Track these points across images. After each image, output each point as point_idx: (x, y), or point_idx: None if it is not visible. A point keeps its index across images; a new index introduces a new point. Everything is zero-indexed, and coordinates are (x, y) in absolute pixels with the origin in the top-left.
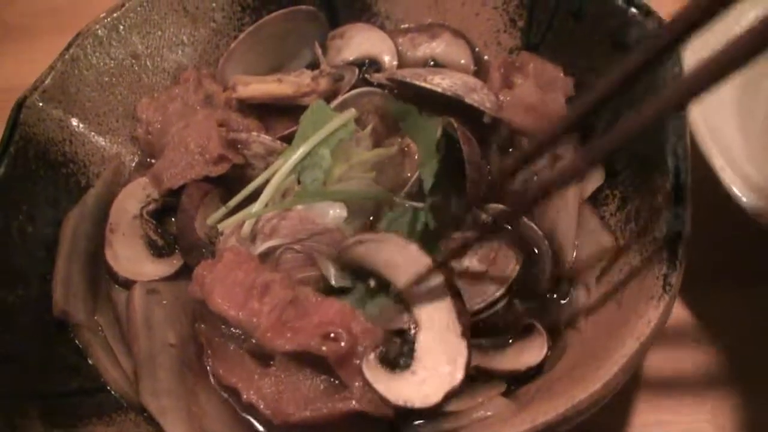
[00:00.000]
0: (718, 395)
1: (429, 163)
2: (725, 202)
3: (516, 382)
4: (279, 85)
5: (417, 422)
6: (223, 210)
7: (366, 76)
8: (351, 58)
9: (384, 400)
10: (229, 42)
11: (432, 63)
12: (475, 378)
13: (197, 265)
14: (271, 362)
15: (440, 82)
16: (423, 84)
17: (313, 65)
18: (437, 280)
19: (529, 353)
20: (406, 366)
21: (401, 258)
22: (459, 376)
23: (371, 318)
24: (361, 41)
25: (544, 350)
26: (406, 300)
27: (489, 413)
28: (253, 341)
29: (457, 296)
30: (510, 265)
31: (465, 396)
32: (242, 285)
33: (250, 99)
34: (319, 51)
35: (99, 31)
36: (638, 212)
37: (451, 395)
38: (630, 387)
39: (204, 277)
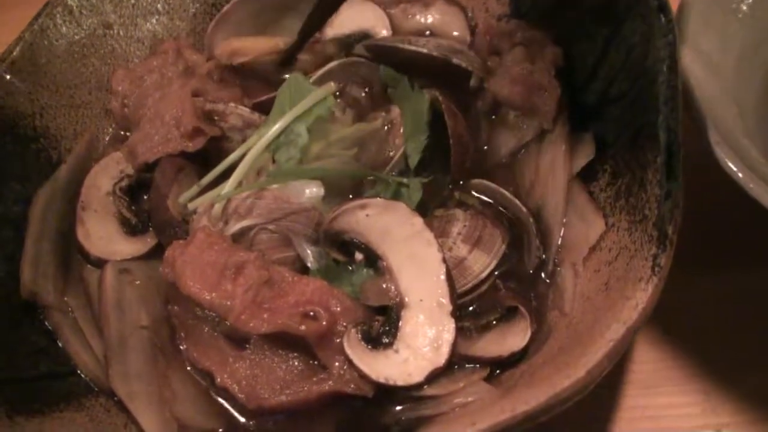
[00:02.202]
0: (709, 378)
1: (416, 137)
2: (721, 177)
3: (500, 366)
4: (268, 41)
5: (396, 408)
6: (195, 188)
7: None
8: (345, 33)
9: (365, 378)
10: (205, 9)
11: (428, 33)
12: (458, 363)
13: (169, 245)
14: (247, 345)
15: (426, 44)
16: (408, 46)
17: None
18: (433, 254)
19: (513, 337)
20: (389, 344)
21: (398, 228)
22: (444, 356)
23: (354, 294)
24: (354, 15)
25: (528, 335)
26: (394, 275)
27: (470, 399)
28: (228, 324)
29: (449, 274)
30: (495, 245)
31: (446, 380)
32: (214, 266)
33: (240, 54)
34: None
35: (69, 0)
36: (628, 188)
37: (434, 375)
38: (620, 370)
39: (175, 259)
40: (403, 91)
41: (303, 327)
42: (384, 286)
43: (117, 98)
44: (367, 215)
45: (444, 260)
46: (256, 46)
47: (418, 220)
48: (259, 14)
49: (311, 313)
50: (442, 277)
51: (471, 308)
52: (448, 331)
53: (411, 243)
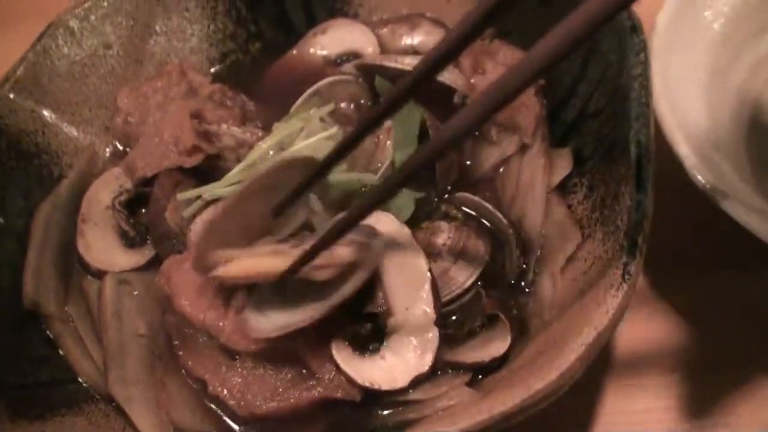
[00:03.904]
0: (683, 380)
1: (405, 147)
2: (691, 188)
3: (481, 371)
4: (272, 259)
5: (382, 412)
6: (199, 203)
7: None
8: (334, 54)
9: (351, 382)
10: (201, 29)
11: (413, 53)
12: (441, 368)
13: (167, 256)
14: (239, 356)
15: (411, 62)
16: (395, 65)
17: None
18: (420, 265)
19: (494, 344)
20: (376, 350)
21: (388, 240)
22: (428, 363)
23: None
24: (343, 36)
25: (508, 342)
26: (382, 284)
27: (452, 402)
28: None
29: (435, 285)
30: (479, 256)
31: (430, 385)
32: (208, 287)
33: (236, 280)
34: (317, 205)
35: (71, 22)
36: (603, 201)
37: (418, 381)
38: (599, 374)
39: (171, 275)
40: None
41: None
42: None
43: (120, 115)
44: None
45: (430, 271)
46: (254, 269)
47: (406, 232)
48: (251, 204)
49: None
50: (428, 287)
51: (455, 317)
52: (431, 339)
53: (399, 254)
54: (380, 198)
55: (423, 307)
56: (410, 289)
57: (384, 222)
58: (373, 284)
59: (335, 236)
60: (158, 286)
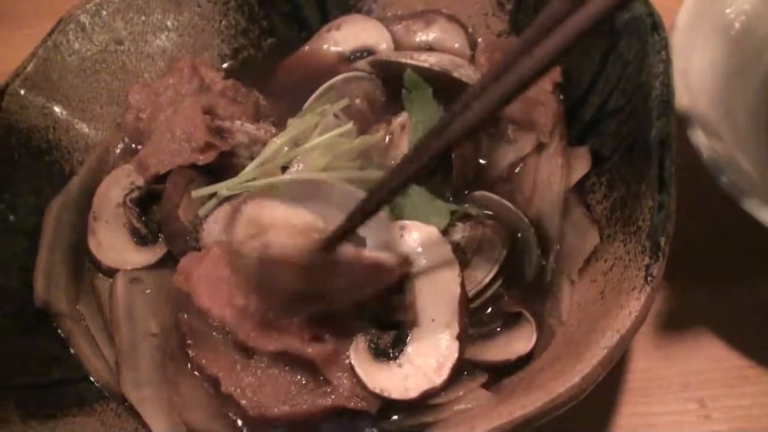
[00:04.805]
0: (705, 385)
1: None
2: (713, 188)
3: (506, 369)
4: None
5: (397, 416)
6: (214, 200)
7: None
8: (347, 50)
9: (362, 385)
10: (213, 26)
11: (428, 49)
12: (465, 369)
13: (181, 254)
14: (255, 355)
15: (427, 59)
16: (410, 61)
17: None
18: (453, 278)
19: (518, 342)
20: (394, 358)
21: (427, 250)
22: (443, 377)
23: None
24: (357, 32)
25: (534, 339)
26: (414, 292)
27: (470, 406)
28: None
29: (464, 299)
30: (495, 252)
31: (447, 388)
32: (229, 283)
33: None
34: None
35: (82, 17)
36: (624, 201)
37: (429, 395)
38: (616, 377)
39: (190, 272)
40: (422, 99)
41: (309, 350)
42: (398, 301)
43: (131, 111)
44: (401, 235)
45: (462, 284)
46: (286, 222)
47: (446, 245)
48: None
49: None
50: (458, 300)
51: (475, 316)
52: (451, 353)
53: (435, 266)
54: (401, 185)
55: (448, 319)
56: (440, 301)
57: (424, 232)
58: (403, 292)
59: (362, 218)
60: (176, 284)
